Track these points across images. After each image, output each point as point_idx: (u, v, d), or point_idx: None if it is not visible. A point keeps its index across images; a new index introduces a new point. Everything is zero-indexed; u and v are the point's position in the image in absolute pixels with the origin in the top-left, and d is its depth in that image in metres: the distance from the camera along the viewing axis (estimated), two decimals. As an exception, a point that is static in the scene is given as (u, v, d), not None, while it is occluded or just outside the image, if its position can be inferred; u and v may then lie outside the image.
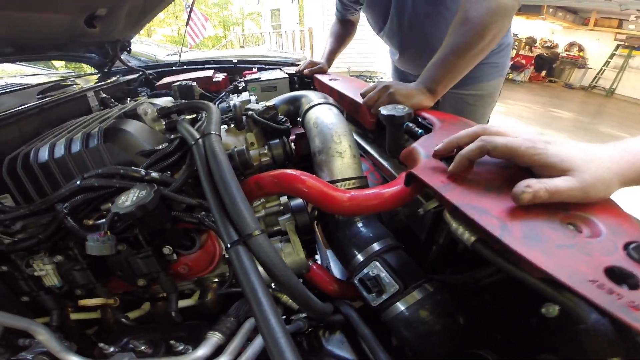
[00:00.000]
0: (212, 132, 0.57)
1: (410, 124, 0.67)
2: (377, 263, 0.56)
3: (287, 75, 1.39)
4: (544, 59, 8.72)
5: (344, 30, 1.49)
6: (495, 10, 0.73)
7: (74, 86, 1.13)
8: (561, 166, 0.35)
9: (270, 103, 0.86)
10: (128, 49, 1.56)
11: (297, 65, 1.81)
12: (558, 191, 0.34)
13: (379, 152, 0.89)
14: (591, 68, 8.06)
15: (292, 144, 0.81)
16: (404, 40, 1.19)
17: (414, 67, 1.30)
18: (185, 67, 1.75)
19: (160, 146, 0.64)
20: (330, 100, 0.88)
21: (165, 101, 0.89)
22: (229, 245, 0.46)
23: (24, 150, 0.63)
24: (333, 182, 0.68)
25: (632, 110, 6.44)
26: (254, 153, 0.77)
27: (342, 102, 0.97)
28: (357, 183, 0.70)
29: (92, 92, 1.07)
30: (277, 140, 0.78)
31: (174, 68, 1.74)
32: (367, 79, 7.34)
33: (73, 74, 1.56)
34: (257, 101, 1.05)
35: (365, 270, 0.57)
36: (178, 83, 1.31)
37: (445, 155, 0.46)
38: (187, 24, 2.23)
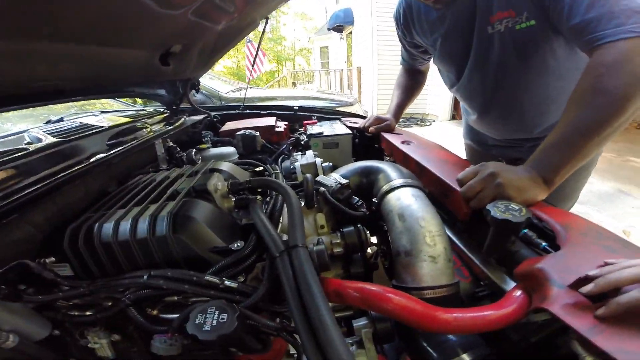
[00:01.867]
0: (299, 245, 0.50)
1: (528, 231, 0.56)
2: None
3: (350, 132, 1.31)
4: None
5: (413, 81, 1.36)
6: None
7: (144, 130, 1.14)
8: None
9: (342, 178, 0.78)
10: (197, 87, 1.62)
11: (351, 112, 1.77)
12: None
13: (468, 244, 0.74)
14: None
15: (365, 230, 0.70)
16: (486, 99, 1.03)
17: (496, 131, 1.14)
18: (248, 111, 1.76)
19: (235, 245, 0.58)
20: (413, 180, 0.76)
21: (230, 167, 0.83)
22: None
23: (87, 223, 0.60)
24: (420, 289, 0.57)
25: None
26: (326, 241, 0.67)
27: (422, 176, 0.85)
28: (450, 291, 0.58)
29: (160, 140, 1.06)
30: (352, 228, 0.69)
31: (237, 112, 1.76)
32: (419, 122, 7.20)
33: (144, 111, 1.62)
34: (322, 163, 0.97)
35: None
36: (242, 132, 1.29)
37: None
38: (253, 64, 2.33)
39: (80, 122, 1.11)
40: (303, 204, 0.73)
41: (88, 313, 0.58)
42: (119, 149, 0.91)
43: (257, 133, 1.31)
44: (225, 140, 1.36)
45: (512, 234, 0.56)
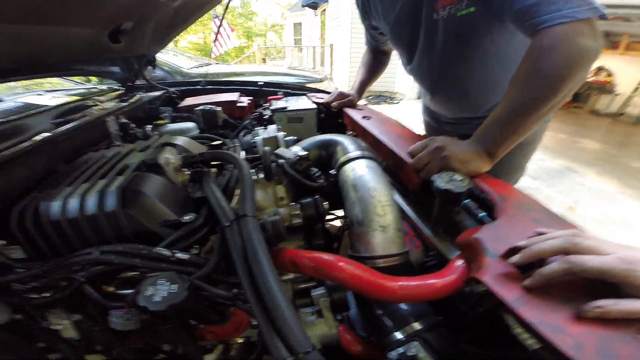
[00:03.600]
0: (249, 215, 0.51)
1: (469, 202, 0.59)
2: (417, 343, 0.51)
3: (315, 107, 1.31)
4: (570, 84, 8.39)
5: (376, 61, 1.39)
6: (575, 58, 0.60)
7: (94, 107, 1.07)
8: None
9: (301, 151, 0.78)
10: (153, 64, 1.53)
11: (320, 88, 1.76)
12: (633, 312, 0.34)
13: (421, 215, 0.78)
14: (619, 94, 7.50)
15: (326, 203, 0.71)
16: (434, 82, 1.08)
17: (446, 110, 1.19)
18: (210, 87, 1.69)
19: (187, 217, 0.57)
20: (369, 152, 0.79)
21: (185, 141, 0.81)
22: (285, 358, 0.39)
23: (33, 203, 0.58)
24: (372, 258, 0.60)
25: (662, 141, 5.98)
26: (284, 212, 0.69)
27: (379, 150, 0.88)
28: (399, 260, 0.61)
29: (113, 117, 1.00)
30: (310, 200, 0.70)
31: (198, 87, 1.68)
32: (388, 100, 7.25)
33: (96, 89, 1.52)
34: (284, 137, 0.97)
35: (402, 349, 0.51)
36: (202, 107, 1.25)
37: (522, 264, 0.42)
38: (215, 39, 2.21)
39: (23, 102, 1.02)
40: (262, 176, 0.74)
41: (46, 295, 0.56)
42: (66, 127, 0.86)
43: (219, 108, 1.27)
44: (184, 116, 1.31)
45: (454, 203, 0.59)
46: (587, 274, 0.36)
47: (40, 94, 1.25)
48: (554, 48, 0.61)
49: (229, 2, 1.45)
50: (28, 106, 0.99)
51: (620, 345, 0.33)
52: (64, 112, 0.97)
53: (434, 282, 0.49)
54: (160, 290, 0.45)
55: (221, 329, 0.59)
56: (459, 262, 0.50)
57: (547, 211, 0.55)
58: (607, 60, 7.55)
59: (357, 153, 0.77)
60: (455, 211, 0.62)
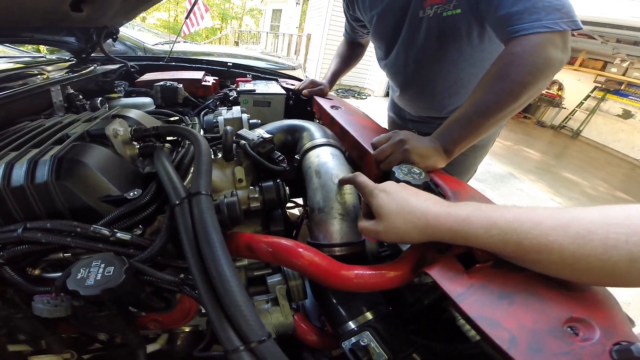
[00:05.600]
0: (203, 193, 0.46)
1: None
2: (369, 333, 0.53)
3: (284, 92, 1.28)
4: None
5: (352, 52, 1.39)
6: (541, 67, 0.63)
7: (38, 76, 0.96)
8: (376, 211, 0.49)
9: (265, 133, 0.76)
10: (114, 36, 1.39)
11: (292, 75, 1.71)
12: (362, 229, 0.52)
13: None
14: (565, 108, 8.18)
15: (285, 186, 0.69)
16: (407, 78, 1.10)
17: (412, 108, 1.22)
18: (174, 63, 1.59)
19: (132, 193, 0.51)
20: (334, 140, 0.78)
21: (138, 115, 0.74)
22: (228, 350, 0.36)
23: None
24: (330, 245, 0.60)
25: (594, 154, 6.63)
26: (242, 194, 0.66)
27: (344, 139, 0.87)
28: (356, 249, 0.61)
29: (58, 87, 0.90)
30: (271, 183, 0.68)
31: (161, 63, 1.57)
32: (356, 95, 7.33)
33: (44, 58, 1.36)
34: (248, 119, 0.94)
35: (355, 339, 0.52)
36: (161, 83, 1.17)
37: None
38: (188, 16, 2.07)
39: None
40: (221, 156, 0.70)
41: None
42: (1, 93, 0.76)
43: (180, 85, 1.19)
44: (142, 91, 1.22)
45: None
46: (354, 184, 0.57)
47: None
48: (524, 55, 0.64)
49: None
50: None
51: (549, 339, 0.35)
52: (3, 79, 0.85)
53: (388, 272, 0.49)
54: (93, 273, 0.40)
55: (166, 317, 0.56)
56: (411, 254, 0.51)
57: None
58: (561, 74, 8.18)
59: (323, 140, 0.76)
60: None
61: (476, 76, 0.95)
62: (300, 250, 0.51)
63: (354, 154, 0.84)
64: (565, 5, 0.64)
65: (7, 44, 1.64)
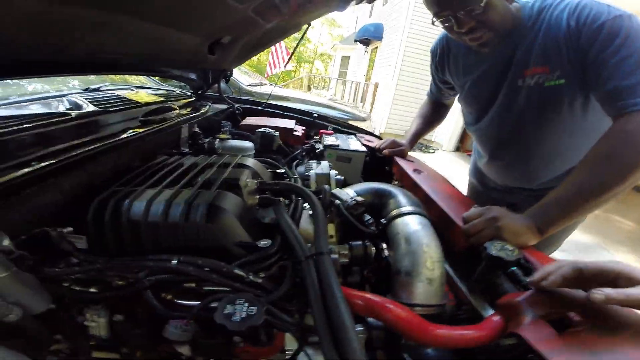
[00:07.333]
0: (325, 253, 0.54)
1: (515, 269, 0.62)
2: None
3: (365, 150, 1.36)
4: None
5: (435, 114, 1.40)
6: None
7: (173, 112, 1.18)
8: None
9: (358, 196, 0.83)
10: (227, 78, 1.66)
11: (363, 125, 1.81)
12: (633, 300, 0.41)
13: (458, 272, 0.80)
14: None
15: (371, 247, 0.74)
16: (499, 145, 1.08)
17: (500, 176, 1.19)
18: (269, 109, 1.81)
19: (262, 243, 0.61)
20: (422, 210, 0.82)
21: (255, 164, 0.87)
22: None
23: (115, 197, 0.61)
24: (412, 305, 0.64)
25: None
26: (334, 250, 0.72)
27: (429, 206, 0.91)
28: (436, 310, 0.65)
29: (187, 124, 1.10)
30: (360, 243, 0.73)
31: (259, 108, 1.81)
32: (423, 148, 7.28)
33: (174, 92, 1.66)
34: (335, 175, 1.02)
35: None
36: (262, 130, 1.34)
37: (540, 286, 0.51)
38: (287, 62, 2.34)
39: (117, 95, 1.14)
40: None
41: (92, 290, 0.55)
42: (152, 127, 0.95)
43: (277, 133, 1.35)
44: (244, 135, 1.40)
45: (501, 269, 0.63)
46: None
47: (132, 89, 1.39)
48: (636, 134, 0.62)
49: (306, 30, 1.52)
50: (122, 99, 1.09)
51: None
52: (150, 112, 1.07)
53: (474, 332, 0.53)
54: (238, 310, 0.46)
55: (257, 350, 0.60)
56: (496, 318, 0.55)
57: None
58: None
59: (411, 208, 0.81)
60: (497, 274, 0.66)
61: (574, 146, 0.94)
62: (390, 306, 0.56)
63: (438, 222, 0.86)
64: None
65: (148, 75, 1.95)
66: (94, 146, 0.75)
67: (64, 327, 0.58)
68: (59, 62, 0.75)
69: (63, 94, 0.99)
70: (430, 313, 0.63)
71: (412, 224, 0.76)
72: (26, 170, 0.60)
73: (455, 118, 6.30)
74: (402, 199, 0.85)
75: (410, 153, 1.36)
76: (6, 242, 0.47)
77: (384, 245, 0.76)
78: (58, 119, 0.78)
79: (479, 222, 0.71)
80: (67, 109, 0.87)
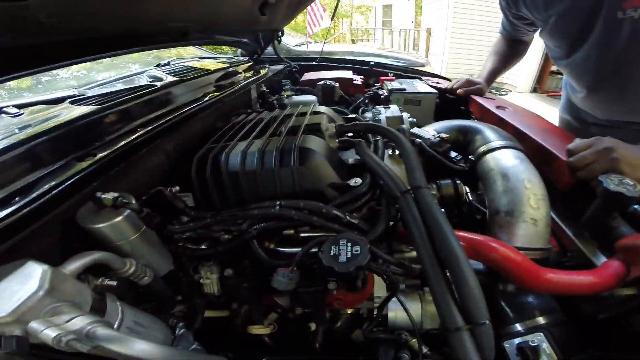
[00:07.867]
0: (424, 186, 0.50)
1: (638, 208, 0.55)
2: (543, 335, 0.52)
3: (435, 91, 1.26)
4: None
5: (513, 51, 1.27)
6: None
7: (239, 75, 1.21)
8: None
9: (442, 133, 0.78)
10: (279, 38, 1.63)
11: (421, 70, 1.67)
12: None
13: (562, 215, 0.72)
14: None
15: (462, 184, 0.70)
16: (600, 79, 0.97)
17: (604, 110, 1.06)
18: (324, 63, 1.76)
19: (352, 182, 0.59)
20: (516, 143, 0.74)
21: (329, 111, 0.86)
22: (450, 328, 0.40)
23: (212, 152, 0.62)
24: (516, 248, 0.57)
25: None
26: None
27: (520, 141, 0.82)
28: (543, 255, 0.59)
29: (254, 85, 1.12)
30: (449, 181, 0.70)
31: (314, 63, 1.77)
32: (493, 91, 6.51)
33: (234, 59, 1.69)
34: (408, 117, 0.97)
35: (519, 340, 0.52)
36: (322, 82, 1.32)
37: None
38: (333, 17, 2.22)
39: (188, 66, 1.20)
40: (398, 152, 0.75)
41: (203, 247, 0.58)
42: (227, 90, 0.99)
43: (337, 84, 1.32)
44: (306, 89, 1.40)
45: (621, 208, 0.55)
46: None
47: (197, 60, 1.45)
48: None
49: None
50: (194, 69, 1.15)
51: None
52: (220, 77, 1.11)
53: (589, 278, 0.48)
54: (343, 251, 0.44)
55: (350, 297, 0.60)
56: (615, 263, 0.49)
57: None
58: None
59: (503, 142, 0.74)
60: (612, 216, 0.57)
61: None
62: (495, 245, 0.52)
63: (534, 158, 0.78)
64: None
65: (199, 46, 2.00)
66: (183, 110, 0.81)
67: (183, 287, 0.62)
68: (136, 35, 0.79)
69: (140, 71, 1.06)
70: (534, 258, 0.56)
71: (507, 159, 0.69)
72: (137, 134, 0.67)
73: (531, 55, 5.49)
74: (491, 134, 0.78)
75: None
76: (133, 202, 0.51)
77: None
78: (147, 90, 0.84)
79: (589, 154, 0.63)
80: (151, 82, 0.94)
